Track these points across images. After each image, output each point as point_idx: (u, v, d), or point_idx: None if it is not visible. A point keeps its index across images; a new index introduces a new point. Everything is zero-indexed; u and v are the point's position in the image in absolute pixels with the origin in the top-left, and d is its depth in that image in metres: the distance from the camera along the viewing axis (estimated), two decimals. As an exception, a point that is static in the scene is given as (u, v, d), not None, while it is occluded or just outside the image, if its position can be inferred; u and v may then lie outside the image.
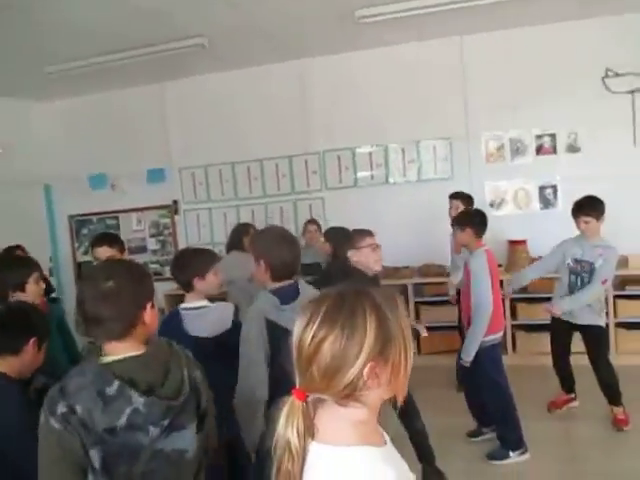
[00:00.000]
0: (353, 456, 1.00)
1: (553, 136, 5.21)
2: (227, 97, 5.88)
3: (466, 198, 4.66)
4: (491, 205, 5.33)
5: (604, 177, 4.73)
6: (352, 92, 5.54)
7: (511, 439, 3.37)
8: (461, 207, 4.53)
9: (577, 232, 3.68)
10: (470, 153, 5.40)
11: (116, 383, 1.28)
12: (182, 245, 6.27)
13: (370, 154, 5.69)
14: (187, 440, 1.42)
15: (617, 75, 4.93)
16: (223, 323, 2.44)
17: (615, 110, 4.95)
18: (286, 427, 1.02)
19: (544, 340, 4.12)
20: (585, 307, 3.65)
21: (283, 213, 5.99)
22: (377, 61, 5.45)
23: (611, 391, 3.67)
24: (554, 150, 5.22)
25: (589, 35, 4.89)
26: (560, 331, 3.86)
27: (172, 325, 2.40)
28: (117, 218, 6.51)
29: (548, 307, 3.75)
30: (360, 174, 5.74)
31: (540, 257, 4.89)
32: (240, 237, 4.58)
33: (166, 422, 1.35)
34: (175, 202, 6.31)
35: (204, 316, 2.46)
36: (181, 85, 6.01)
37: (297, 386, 1.04)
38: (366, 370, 0.98)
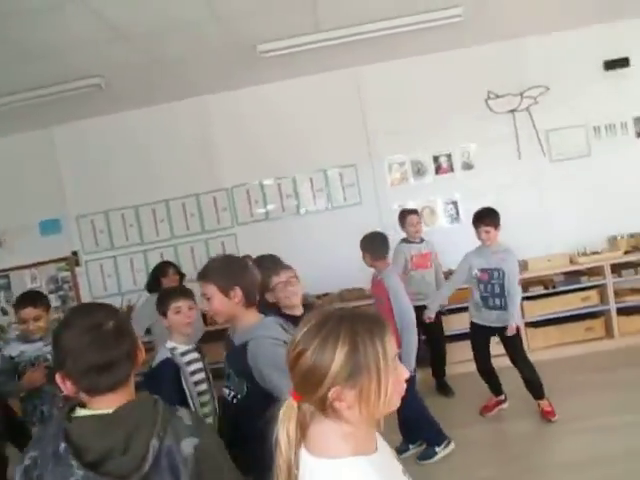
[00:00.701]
0: (342, 470, 1.01)
1: (449, 156, 5.57)
2: (127, 138, 5.64)
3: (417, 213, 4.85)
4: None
5: (496, 189, 5.19)
6: (256, 126, 5.55)
7: (432, 435, 3.51)
8: (416, 220, 4.69)
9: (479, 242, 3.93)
10: (375, 178, 5.60)
11: (62, 446, 1.11)
12: (86, 299, 5.84)
13: (279, 186, 5.70)
14: None
15: (498, 97, 5.43)
16: None
17: (499, 128, 5.43)
18: (282, 425, 1.06)
19: (465, 348, 4.30)
20: (499, 311, 3.89)
21: (195, 253, 5.80)
22: (280, 94, 5.51)
23: (534, 386, 3.89)
24: (451, 168, 5.58)
25: (472, 61, 5.34)
26: (479, 337, 4.07)
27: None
28: (7, 277, 5.90)
29: (512, 328, 3.82)
30: (270, 207, 5.73)
31: (450, 270, 5.18)
32: (158, 278, 4.42)
33: None
34: (75, 253, 5.86)
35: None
36: (75, 128, 5.65)
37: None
38: (331, 393, 1.02)
